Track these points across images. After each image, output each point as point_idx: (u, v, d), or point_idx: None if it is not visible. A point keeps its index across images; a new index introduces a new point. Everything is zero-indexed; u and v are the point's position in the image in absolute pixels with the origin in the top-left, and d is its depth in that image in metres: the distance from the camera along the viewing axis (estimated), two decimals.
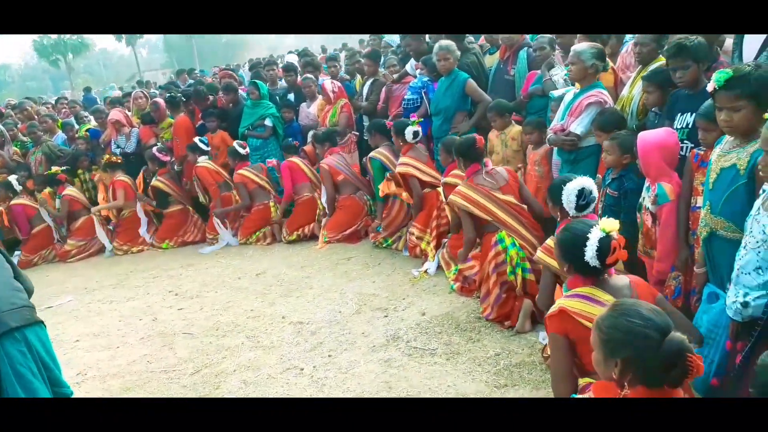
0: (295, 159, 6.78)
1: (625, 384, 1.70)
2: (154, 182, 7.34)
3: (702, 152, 3.03)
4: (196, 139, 7.17)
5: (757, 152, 2.28)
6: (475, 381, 3.46)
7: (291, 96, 7.45)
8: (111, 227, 7.61)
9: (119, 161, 7.42)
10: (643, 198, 3.29)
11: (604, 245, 2.24)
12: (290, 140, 6.99)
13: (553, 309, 2.40)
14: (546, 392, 3.22)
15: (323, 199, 6.53)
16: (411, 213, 5.85)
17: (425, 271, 5.18)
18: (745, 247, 2.17)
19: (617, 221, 2.28)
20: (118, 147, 7.64)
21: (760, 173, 2.18)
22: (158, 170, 7.39)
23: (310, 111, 7.11)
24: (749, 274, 2.12)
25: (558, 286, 3.46)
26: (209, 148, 7.19)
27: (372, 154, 6.07)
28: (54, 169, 7.59)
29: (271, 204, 6.91)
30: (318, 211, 6.65)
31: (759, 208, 2.14)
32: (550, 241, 3.51)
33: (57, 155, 7.94)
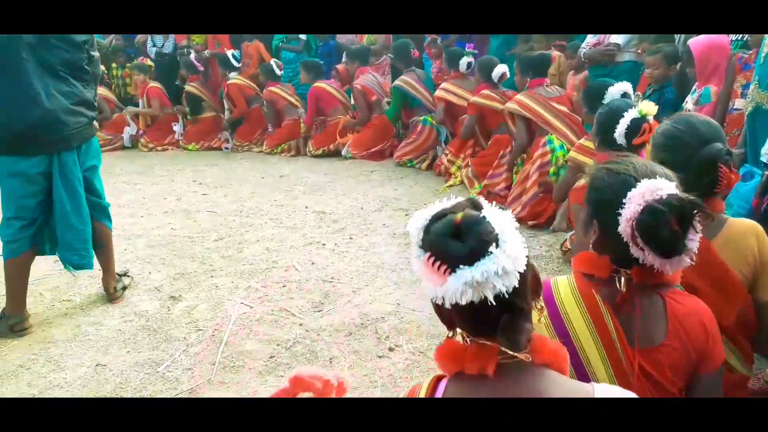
0: (322, 84, 6.62)
1: None
2: (187, 88, 7.38)
3: (746, 55, 3.06)
4: (229, 54, 7.20)
5: None
6: None
7: None
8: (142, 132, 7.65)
9: (149, 65, 7.48)
10: (686, 101, 3.34)
11: (636, 125, 2.29)
12: (317, 61, 6.89)
13: (579, 183, 2.49)
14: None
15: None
16: (438, 137, 5.93)
17: (448, 186, 5.26)
18: None
19: (656, 106, 2.33)
20: (154, 46, 7.68)
21: None
22: (190, 76, 7.43)
23: None
24: None
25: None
26: (240, 64, 7.22)
27: (396, 82, 6.07)
28: None
29: (302, 120, 6.95)
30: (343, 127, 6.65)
31: None
32: (583, 141, 3.56)
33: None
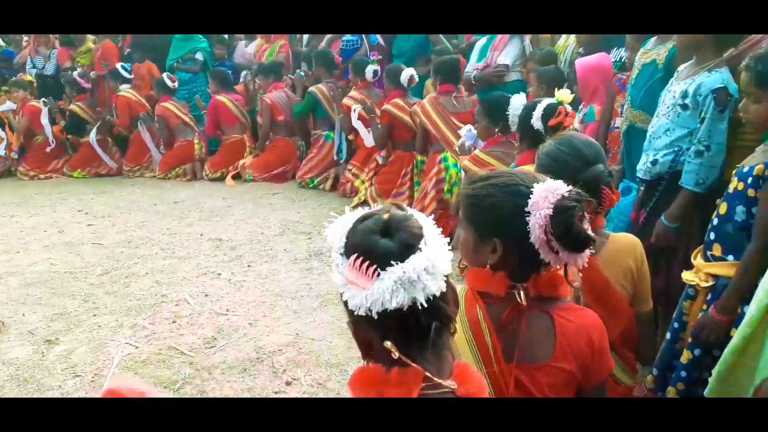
0: (223, 98, 6.40)
1: None
2: (71, 107, 6.91)
3: (624, 77, 3.21)
4: (118, 66, 6.85)
5: (675, 48, 2.48)
6: None
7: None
8: (15, 155, 7.05)
9: (30, 80, 6.94)
10: None
11: (551, 109, 2.37)
12: (227, 71, 6.69)
13: None
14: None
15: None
16: (339, 154, 5.87)
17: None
18: (657, 116, 2.35)
19: (572, 93, 2.40)
20: (34, 67, 7.15)
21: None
22: (76, 96, 6.97)
23: (247, 50, 6.93)
24: (660, 137, 2.30)
25: None
26: (132, 76, 6.88)
27: (312, 87, 5.93)
28: None
29: (195, 141, 6.65)
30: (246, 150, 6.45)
31: (672, 81, 2.32)
32: (477, 152, 3.57)
33: None
